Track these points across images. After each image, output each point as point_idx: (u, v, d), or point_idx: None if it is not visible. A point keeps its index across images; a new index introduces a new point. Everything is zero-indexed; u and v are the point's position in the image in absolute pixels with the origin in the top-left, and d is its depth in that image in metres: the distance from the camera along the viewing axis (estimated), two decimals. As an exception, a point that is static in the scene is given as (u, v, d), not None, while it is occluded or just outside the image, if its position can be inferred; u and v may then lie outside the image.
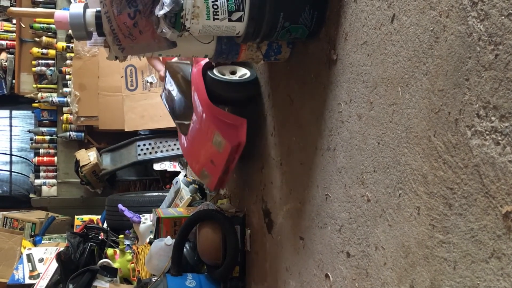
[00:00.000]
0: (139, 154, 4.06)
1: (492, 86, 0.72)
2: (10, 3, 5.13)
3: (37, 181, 4.82)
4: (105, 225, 3.72)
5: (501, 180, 0.70)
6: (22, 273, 3.41)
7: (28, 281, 3.35)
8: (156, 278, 2.37)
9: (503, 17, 0.70)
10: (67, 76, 4.62)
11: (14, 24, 4.96)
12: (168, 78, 2.26)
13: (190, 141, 2.22)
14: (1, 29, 5.08)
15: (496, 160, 0.71)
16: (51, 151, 4.86)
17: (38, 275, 3.34)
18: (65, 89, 4.70)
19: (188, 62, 2.14)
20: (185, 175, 3.24)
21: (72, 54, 4.47)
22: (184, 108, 2.22)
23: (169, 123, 2.73)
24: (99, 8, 1.42)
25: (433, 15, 0.87)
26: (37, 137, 4.85)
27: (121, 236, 3.03)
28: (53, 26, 4.62)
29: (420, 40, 0.91)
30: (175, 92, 2.26)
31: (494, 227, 0.72)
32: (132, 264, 2.81)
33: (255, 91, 1.98)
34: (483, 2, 0.74)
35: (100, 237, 3.25)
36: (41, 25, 4.68)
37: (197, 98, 1.94)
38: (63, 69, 4.66)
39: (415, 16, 0.93)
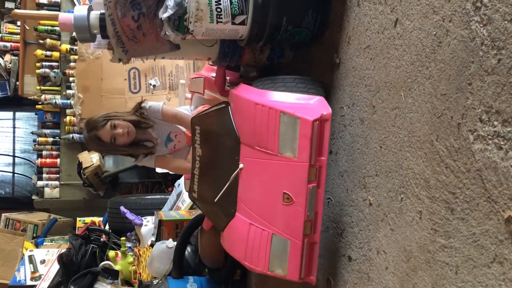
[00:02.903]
0: (142, 157, 4.06)
1: (495, 90, 0.72)
2: (15, 5, 5.15)
3: (40, 183, 4.83)
4: (107, 227, 3.72)
5: (504, 185, 0.70)
6: (23, 274, 3.41)
7: (29, 282, 3.35)
8: (157, 280, 2.36)
9: (506, 22, 0.70)
10: (71, 78, 4.63)
11: (19, 26, 4.98)
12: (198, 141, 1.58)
13: (243, 204, 1.40)
14: (6, 31, 5.10)
15: (499, 165, 0.71)
16: (54, 153, 4.87)
17: (39, 277, 3.34)
18: (68, 91, 4.71)
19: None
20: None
21: (76, 57, 4.48)
22: (227, 157, 1.44)
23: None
24: (103, 11, 1.42)
25: (436, 20, 0.87)
26: (40, 138, 4.85)
27: (123, 238, 3.03)
28: (57, 28, 4.64)
29: (423, 44, 0.92)
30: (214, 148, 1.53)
31: (496, 232, 0.71)
32: (134, 267, 2.80)
33: None
34: (486, 7, 0.74)
35: (102, 239, 3.25)
36: (45, 27, 4.69)
37: (244, 103, 1.34)
38: (67, 71, 4.67)
39: (418, 20, 0.93)
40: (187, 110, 2.22)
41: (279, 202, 1.24)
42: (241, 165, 1.37)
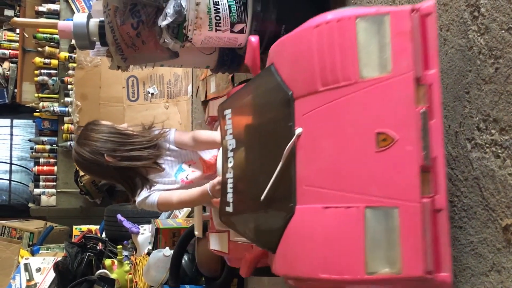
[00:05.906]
0: (139, 165, 4.05)
1: (492, 99, 0.72)
2: (14, 13, 5.17)
3: (36, 190, 4.81)
4: (103, 235, 3.70)
5: (501, 193, 0.70)
6: (19, 282, 3.38)
7: (25, 291, 3.34)
8: (153, 289, 2.35)
9: (503, 31, 0.70)
10: (69, 86, 4.64)
11: (18, 33, 4.99)
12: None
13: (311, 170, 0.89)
14: (5, 38, 5.11)
15: (496, 173, 0.71)
16: (51, 160, 4.86)
17: (35, 285, 3.32)
18: (66, 99, 4.71)
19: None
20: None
21: (75, 64, 4.48)
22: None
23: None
24: (102, 18, 1.43)
25: (434, 29, 0.88)
26: (37, 146, 4.84)
27: (119, 246, 3.01)
28: (56, 36, 4.65)
29: (421, 53, 0.92)
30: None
31: (494, 240, 0.71)
32: (130, 275, 2.79)
33: None
34: (484, 16, 0.74)
35: (98, 248, 3.24)
36: (44, 35, 4.70)
37: (298, 37, 0.98)
38: (65, 79, 4.68)
39: (416, 29, 0.94)
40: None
41: (369, 153, 0.77)
42: (298, 130, 0.93)
